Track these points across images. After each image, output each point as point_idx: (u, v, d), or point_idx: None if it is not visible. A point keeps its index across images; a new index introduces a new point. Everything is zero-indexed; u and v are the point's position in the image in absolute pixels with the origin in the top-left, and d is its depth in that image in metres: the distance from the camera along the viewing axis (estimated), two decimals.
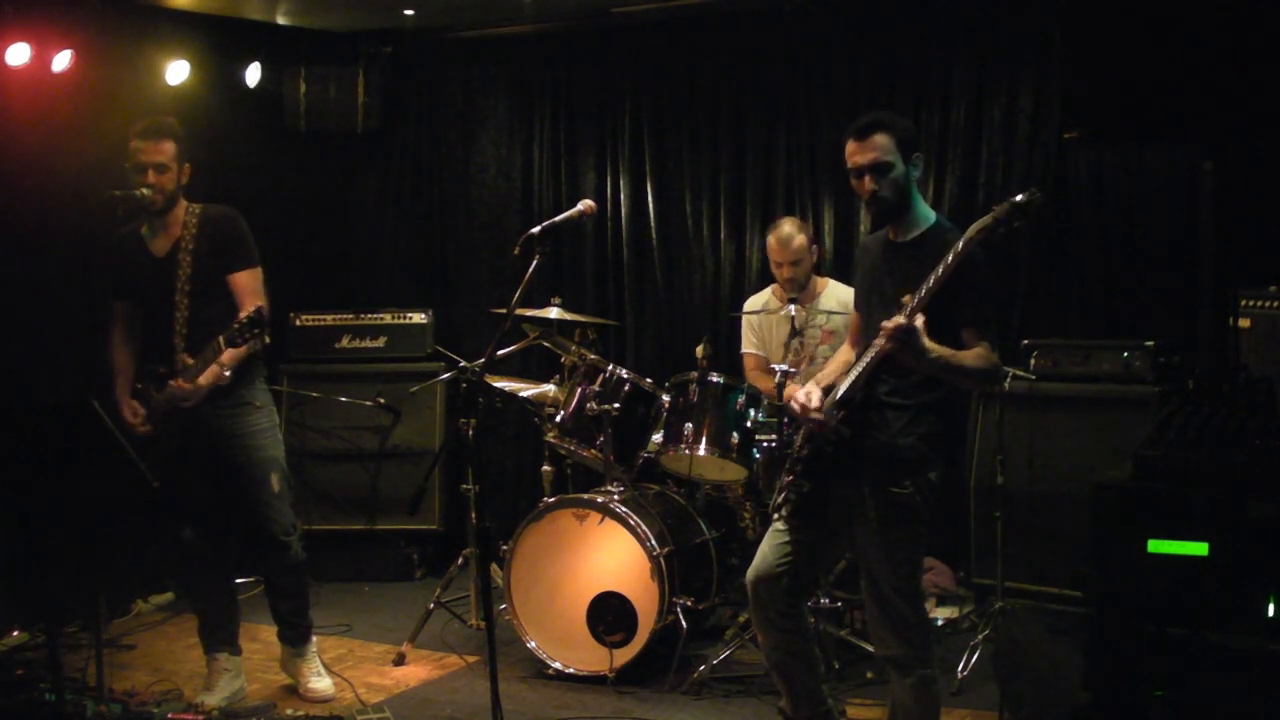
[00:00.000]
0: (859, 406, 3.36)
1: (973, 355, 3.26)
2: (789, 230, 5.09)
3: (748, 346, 5.40)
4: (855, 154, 3.41)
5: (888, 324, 3.14)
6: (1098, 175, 5.35)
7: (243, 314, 4.00)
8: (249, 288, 4.30)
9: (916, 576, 3.48)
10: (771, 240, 5.13)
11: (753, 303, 5.42)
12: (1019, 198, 3.17)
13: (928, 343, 3.13)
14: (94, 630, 4.25)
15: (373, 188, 6.98)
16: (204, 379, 4.14)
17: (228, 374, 4.19)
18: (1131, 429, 4.08)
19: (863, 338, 3.52)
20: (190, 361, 4.10)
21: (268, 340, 4.12)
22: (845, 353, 3.75)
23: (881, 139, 3.37)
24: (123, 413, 4.28)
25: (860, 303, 3.65)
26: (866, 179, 3.40)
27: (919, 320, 3.12)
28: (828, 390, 3.46)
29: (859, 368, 3.34)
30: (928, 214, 3.47)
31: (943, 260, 3.16)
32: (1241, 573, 2.79)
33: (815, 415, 3.38)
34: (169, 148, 4.25)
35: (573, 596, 4.69)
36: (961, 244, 3.16)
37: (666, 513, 4.87)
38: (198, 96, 5.94)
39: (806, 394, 3.44)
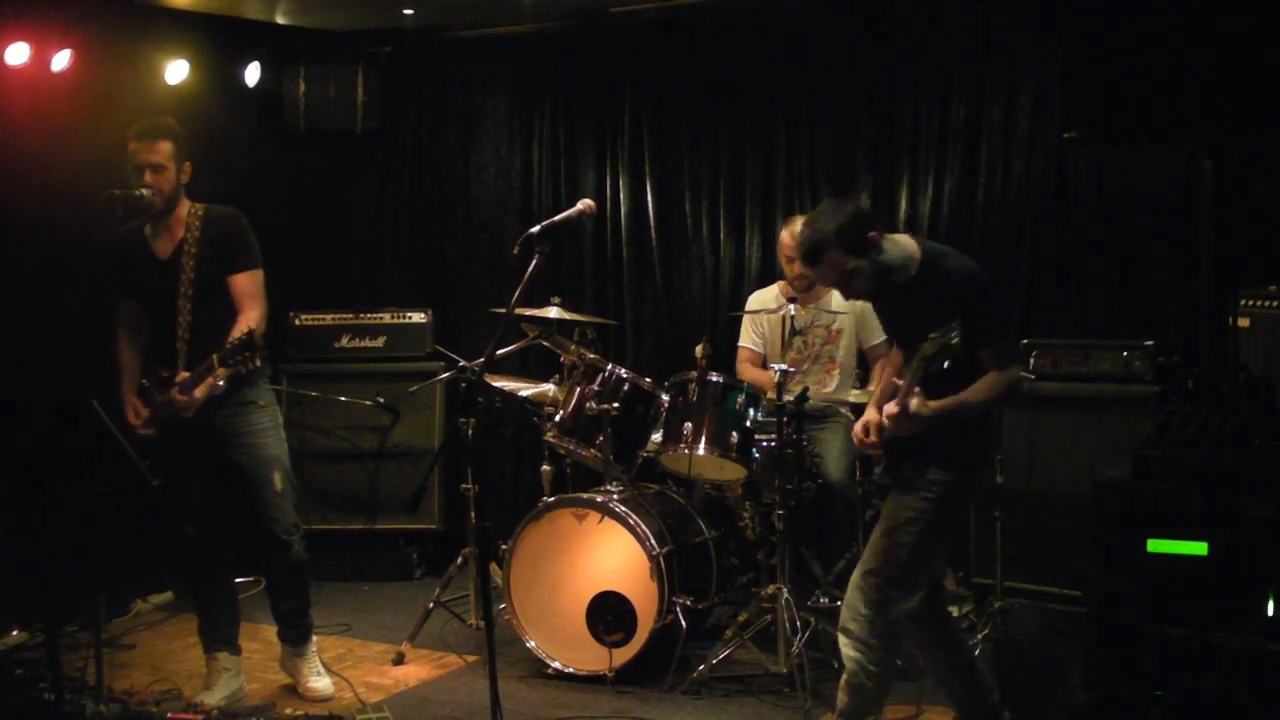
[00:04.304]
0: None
1: (981, 388, 3.41)
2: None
3: (745, 340, 5.41)
4: (817, 279, 3.79)
5: (887, 414, 3.41)
6: (1098, 175, 5.34)
7: (234, 335, 4.00)
8: (248, 290, 4.30)
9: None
10: (785, 235, 5.14)
11: (757, 300, 5.41)
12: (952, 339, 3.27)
13: (927, 411, 3.34)
14: (94, 630, 4.25)
15: (372, 188, 6.97)
16: (200, 391, 4.15)
17: (222, 384, 4.20)
18: (1131, 429, 4.09)
19: (904, 364, 3.65)
20: (186, 375, 4.12)
21: (257, 364, 4.12)
22: (889, 377, 3.81)
23: (833, 255, 3.46)
24: (126, 412, 4.28)
25: (889, 335, 3.85)
26: (846, 290, 3.61)
27: (913, 402, 3.34)
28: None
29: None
30: (908, 254, 3.53)
31: (916, 357, 3.34)
32: (1241, 573, 2.79)
33: (872, 450, 3.62)
34: (165, 148, 4.25)
35: (572, 596, 4.68)
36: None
37: (666, 512, 4.87)
38: (197, 96, 5.93)
39: (863, 426, 3.63)
